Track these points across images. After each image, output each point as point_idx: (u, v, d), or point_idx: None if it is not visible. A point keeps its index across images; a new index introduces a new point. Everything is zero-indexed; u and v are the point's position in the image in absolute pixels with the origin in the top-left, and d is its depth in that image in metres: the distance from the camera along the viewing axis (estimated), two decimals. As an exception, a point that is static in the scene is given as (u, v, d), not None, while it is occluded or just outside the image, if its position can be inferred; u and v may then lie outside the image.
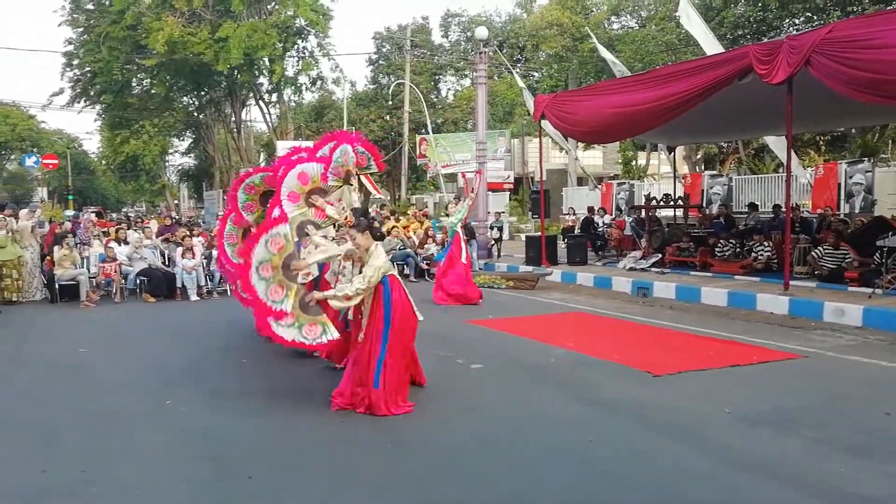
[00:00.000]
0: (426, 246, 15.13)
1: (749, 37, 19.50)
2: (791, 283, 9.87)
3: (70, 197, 40.77)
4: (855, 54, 8.18)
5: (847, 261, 10.43)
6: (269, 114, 35.71)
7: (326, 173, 6.02)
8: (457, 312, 9.95)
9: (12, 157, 44.24)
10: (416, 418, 5.09)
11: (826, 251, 10.71)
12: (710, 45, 15.07)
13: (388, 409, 5.09)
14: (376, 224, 5.88)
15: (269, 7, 30.22)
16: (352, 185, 6.19)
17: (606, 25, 28.14)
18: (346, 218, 5.55)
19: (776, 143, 16.61)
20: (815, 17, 18.89)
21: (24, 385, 6.42)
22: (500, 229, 19.05)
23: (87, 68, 32.63)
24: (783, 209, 11.11)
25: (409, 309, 5.30)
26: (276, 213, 5.68)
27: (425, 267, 14.51)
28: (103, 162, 54.61)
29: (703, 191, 19.16)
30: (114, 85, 31.30)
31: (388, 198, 34.40)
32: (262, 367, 6.79)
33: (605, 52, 19.03)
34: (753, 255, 11.98)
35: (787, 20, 20.18)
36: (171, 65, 29.36)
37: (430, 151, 30.16)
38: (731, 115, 12.57)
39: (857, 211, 14.85)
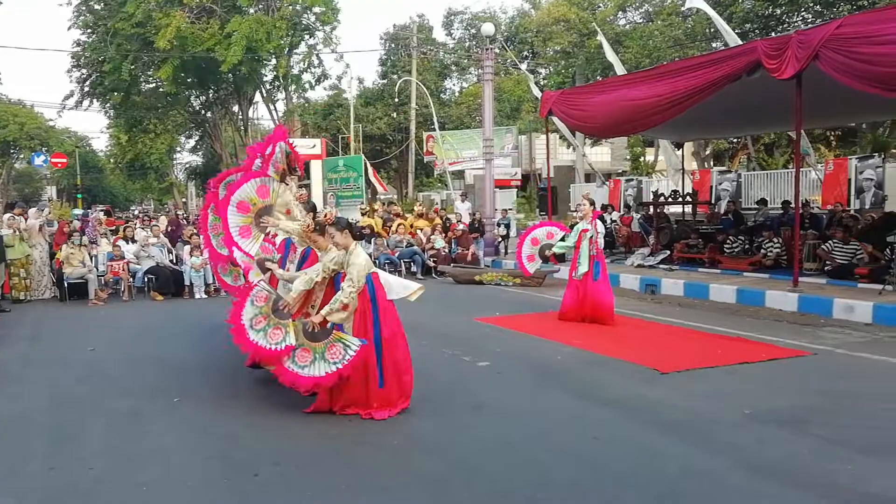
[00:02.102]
0: (431, 237, 15.08)
1: (757, 32, 19.35)
2: (800, 279, 9.80)
3: (79, 195, 40.90)
4: (864, 48, 8.10)
5: (858, 256, 10.35)
6: (276, 111, 35.71)
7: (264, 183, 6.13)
8: (465, 311, 9.93)
9: (21, 155, 44.29)
10: (424, 417, 5.07)
11: (836, 245, 10.63)
12: (725, 31, 14.94)
13: (394, 405, 5.10)
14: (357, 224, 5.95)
15: (277, 4, 29.90)
16: (287, 184, 6.23)
17: (613, 21, 27.99)
18: (326, 215, 5.44)
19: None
20: (826, 12, 18.73)
21: (34, 383, 6.43)
22: (508, 226, 19.00)
23: (95, 68, 32.51)
24: (793, 205, 11.05)
25: (392, 307, 5.26)
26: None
27: (432, 264, 14.49)
28: (111, 160, 54.84)
29: (712, 187, 19.06)
30: (121, 83, 31.13)
31: (395, 195, 34.37)
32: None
33: (609, 54, 18.89)
34: (763, 251, 11.90)
35: (796, 15, 20.03)
36: (180, 63, 29.16)
37: (436, 148, 30.10)
38: (740, 111, 12.48)
39: (867, 207, 14.73)
